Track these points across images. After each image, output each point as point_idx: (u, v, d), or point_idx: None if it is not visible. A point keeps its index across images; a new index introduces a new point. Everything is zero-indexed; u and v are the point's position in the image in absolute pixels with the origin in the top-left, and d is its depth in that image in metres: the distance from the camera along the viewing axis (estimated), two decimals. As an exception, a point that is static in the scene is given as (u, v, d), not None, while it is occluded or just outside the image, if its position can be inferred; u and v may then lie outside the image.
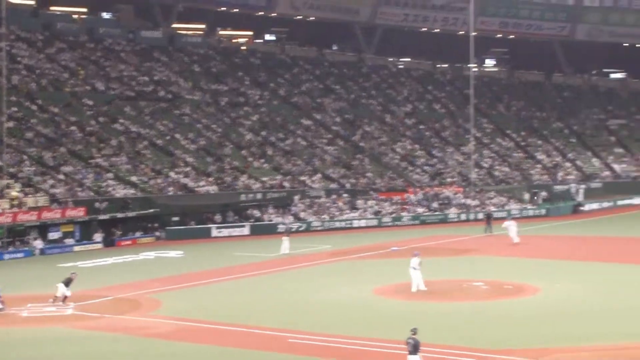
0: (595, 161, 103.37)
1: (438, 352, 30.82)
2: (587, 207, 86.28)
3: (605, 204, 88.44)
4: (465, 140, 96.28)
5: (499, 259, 55.79)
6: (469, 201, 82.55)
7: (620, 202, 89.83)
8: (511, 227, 62.68)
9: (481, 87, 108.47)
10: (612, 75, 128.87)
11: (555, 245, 63.17)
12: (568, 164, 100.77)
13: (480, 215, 78.74)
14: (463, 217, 79.66)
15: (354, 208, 79.13)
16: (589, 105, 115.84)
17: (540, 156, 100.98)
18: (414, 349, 27.45)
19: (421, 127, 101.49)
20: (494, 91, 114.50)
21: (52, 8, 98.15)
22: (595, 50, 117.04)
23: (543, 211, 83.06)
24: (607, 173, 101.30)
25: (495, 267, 51.94)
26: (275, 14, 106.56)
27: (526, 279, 46.88)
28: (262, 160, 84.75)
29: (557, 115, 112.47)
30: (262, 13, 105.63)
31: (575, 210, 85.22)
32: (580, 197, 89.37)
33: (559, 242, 65.09)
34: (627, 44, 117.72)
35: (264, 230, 71.73)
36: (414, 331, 27.79)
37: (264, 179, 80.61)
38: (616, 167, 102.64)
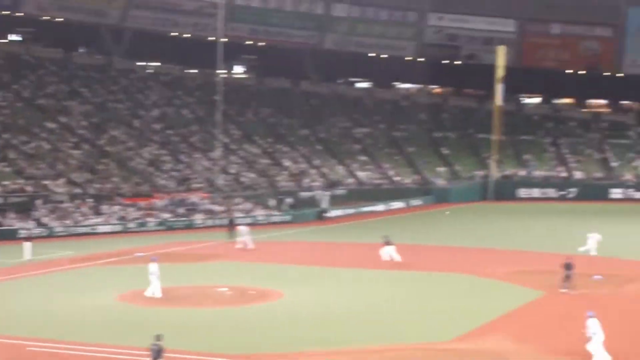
0: (340, 168, 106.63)
1: (183, 359, 31.03)
2: (331, 214, 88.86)
3: (350, 211, 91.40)
4: (212, 146, 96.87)
5: (243, 264, 56.56)
6: (215, 207, 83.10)
7: (363, 209, 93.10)
8: (245, 233, 64.16)
9: (230, 93, 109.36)
10: (358, 85, 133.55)
11: (300, 251, 64.72)
12: (314, 171, 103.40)
13: (227, 222, 79.61)
14: (209, 222, 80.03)
15: (98, 213, 77.83)
16: (336, 113, 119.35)
17: (286, 163, 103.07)
18: (158, 355, 27.50)
19: (169, 132, 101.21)
20: (243, 97, 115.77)
21: None
22: (342, 59, 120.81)
23: (289, 217, 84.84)
24: (351, 180, 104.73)
25: (240, 273, 52.64)
26: (21, 14, 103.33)
27: (270, 284, 47.87)
28: (4, 164, 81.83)
29: (304, 122, 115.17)
30: (8, 12, 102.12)
31: (320, 216, 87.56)
32: (325, 204, 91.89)
33: (303, 248, 66.73)
34: (372, 54, 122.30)
35: (4, 236, 69.13)
36: (158, 337, 27.85)
37: (5, 182, 77.88)
38: (360, 174, 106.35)
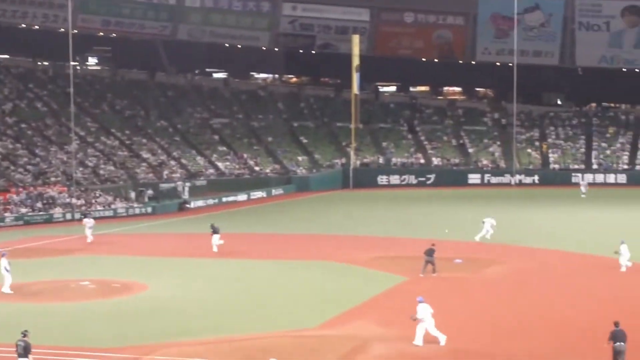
0: (200, 159, 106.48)
1: (50, 353, 30.91)
2: (193, 205, 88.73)
3: (211, 201, 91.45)
4: (68, 139, 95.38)
5: (105, 258, 56.13)
6: (74, 200, 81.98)
7: (225, 199, 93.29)
8: (88, 224, 63.60)
9: (84, 86, 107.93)
10: (215, 75, 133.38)
11: (163, 242, 64.57)
12: (173, 162, 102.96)
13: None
14: (68, 216, 78.91)
15: (-50, 211, 75.85)
16: (193, 104, 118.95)
17: (145, 155, 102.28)
18: (25, 351, 27.36)
19: (23, 125, 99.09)
20: (98, 90, 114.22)
21: None
22: (197, 50, 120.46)
23: (149, 209, 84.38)
24: (211, 171, 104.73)
25: (102, 266, 52.28)
26: None
27: (134, 277, 47.77)
28: None
29: (161, 114, 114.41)
30: None
31: (182, 207, 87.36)
32: (186, 195, 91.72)
33: (166, 239, 66.58)
34: (228, 45, 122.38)
35: None
36: (24, 333, 27.68)
37: None
38: (220, 165, 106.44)
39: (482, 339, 33.20)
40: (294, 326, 34.70)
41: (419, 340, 32.02)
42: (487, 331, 34.47)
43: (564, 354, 30.54)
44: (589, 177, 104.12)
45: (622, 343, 27.64)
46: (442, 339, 32.14)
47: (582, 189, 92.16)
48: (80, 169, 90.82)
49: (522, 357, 29.55)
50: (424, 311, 32.27)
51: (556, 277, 46.47)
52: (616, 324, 28.25)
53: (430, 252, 47.42)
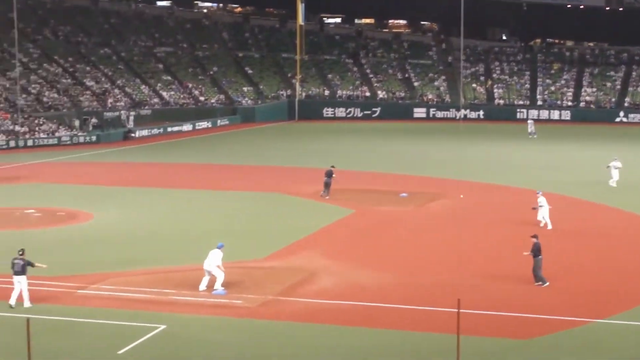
0: (145, 88, 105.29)
1: (-7, 282, 30.62)
2: (137, 134, 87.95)
3: (156, 131, 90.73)
4: (11, 65, 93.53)
5: (50, 185, 55.53)
6: (17, 128, 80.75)
7: (170, 129, 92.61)
8: None
9: (26, 12, 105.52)
10: (159, 3, 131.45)
11: (107, 171, 63.99)
12: (117, 91, 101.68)
13: (30, 143, 78.03)
14: (12, 144, 77.80)
15: None
16: (136, 32, 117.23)
17: (89, 82, 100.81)
18: (23, 269, 28.44)
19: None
20: (40, 15, 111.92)
21: None
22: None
23: (94, 138, 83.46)
24: (156, 100, 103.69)
25: (47, 195, 51.69)
26: None
27: (79, 206, 47.32)
28: None
29: (105, 41, 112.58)
30: None
31: (126, 137, 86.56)
32: (130, 124, 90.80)
33: (111, 168, 65.99)
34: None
35: None
36: (22, 252, 28.59)
37: None
38: (165, 94, 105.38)
39: (424, 272, 33.44)
40: (241, 257, 34.60)
41: None
42: (430, 263, 34.73)
43: (498, 280, 30.92)
44: (533, 113, 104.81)
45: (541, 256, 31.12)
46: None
47: (529, 127, 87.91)
48: (24, 95, 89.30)
49: (463, 287, 29.83)
50: None
51: (495, 210, 46.85)
52: (534, 236, 31.59)
53: (329, 174, 50.28)
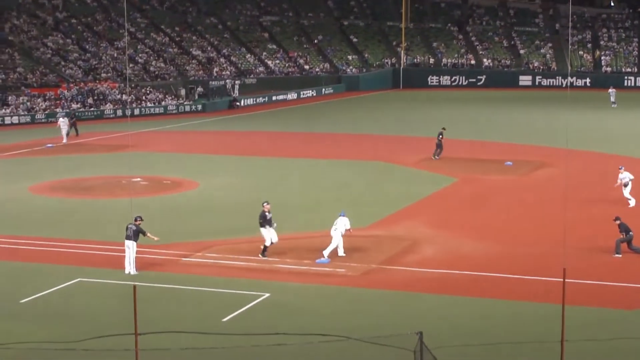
0: (250, 57, 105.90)
1: (99, 248, 31.08)
2: (242, 103, 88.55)
3: (261, 99, 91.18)
4: (119, 35, 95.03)
5: (156, 154, 56.23)
6: (124, 97, 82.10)
7: (274, 98, 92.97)
8: (63, 125, 62.58)
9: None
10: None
11: (212, 140, 64.57)
12: (223, 60, 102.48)
13: (137, 112, 79.26)
14: (119, 113, 79.13)
15: (5, 104, 76.19)
16: (242, 1, 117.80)
17: (195, 52, 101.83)
18: (134, 234, 28.61)
19: (73, 21, 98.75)
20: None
21: None
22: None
23: (199, 107, 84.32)
24: (261, 69, 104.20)
25: (154, 163, 52.32)
26: None
27: (185, 174, 47.84)
28: None
29: (211, 10, 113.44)
30: None
31: (231, 105, 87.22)
32: (236, 93, 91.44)
33: (216, 137, 66.55)
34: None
35: None
36: (137, 218, 29.04)
37: None
38: (270, 63, 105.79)
39: (529, 241, 32.85)
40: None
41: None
42: (534, 232, 34.09)
43: (602, 250, 30.20)
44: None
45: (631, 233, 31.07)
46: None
47: (612, 97, 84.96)
48: (131, 65, 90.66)
49: (567, 257, 29.22)
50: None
51: (600, 180, 45.75)
52: (617, 218, 31.38)
53: (439, 135, 52.47)
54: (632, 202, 38.90)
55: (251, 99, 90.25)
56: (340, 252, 30.46)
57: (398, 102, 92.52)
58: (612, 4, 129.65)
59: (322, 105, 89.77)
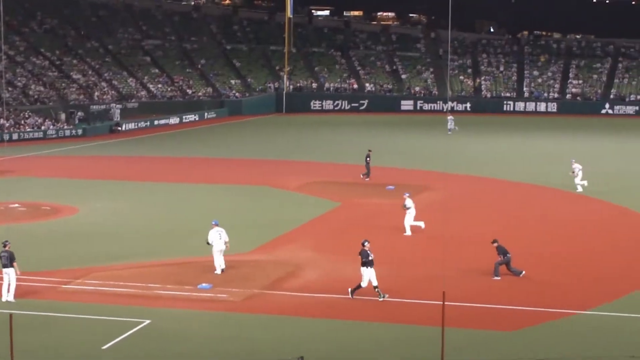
0: (132, 81, 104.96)
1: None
2: (124, 127, 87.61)
3: (143, 124, 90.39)
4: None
5: (35, 180, 55.21)
6: (3, 121, 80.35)
7: (157, 122, 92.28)
8: None
9: (13, 3, 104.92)
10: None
11: (93, 165, 63.69)
12: (104, 84, 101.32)
13: (15, 136, 77.60)
14: (-3, 138, 77.43)
15: None
16: (124, 24, 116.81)
17: (75, 75, 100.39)
18: (9, 261, 28.31)
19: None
20: (27, 8, 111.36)
21: None
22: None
23: (80, 131, 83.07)
24: (143, 93, 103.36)
25: (32, 189, 51.37)
26: None
27: (64, 200, 47.07)
28: None
29: (91, 33, 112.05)
30: None
31: (113, 130, 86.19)
32: (117, 117, 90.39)
33: (97, 162, 65.68)
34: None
35: None
36: (5, 244, 28.08)
37: None
38: (152, 87, 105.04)
39: (410, 264, 33.36)
40: (227, 251, 34.44)
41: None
42: (415, 255, 34.63)
43: (483, 272, 30.88)
44: (520, 105, 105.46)
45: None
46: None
47: (450, 124, 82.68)
48: (9, 89, 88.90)
49: (448, 279, 29.78)
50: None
51: (485, 203, 46.82)
52: (494, 241, 32.08)
53: (366, 156, 54.05)
54: (580, 189, 48.39)
55: (133, 124, 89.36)
56: (222, 267, 31.55)
57: (281, 127, 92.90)
58: (492, 30, 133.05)
59: (205, 130, 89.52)
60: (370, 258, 28.88)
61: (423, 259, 34.23)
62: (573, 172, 49.45)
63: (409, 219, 39.12)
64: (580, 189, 48.71)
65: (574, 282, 31.13)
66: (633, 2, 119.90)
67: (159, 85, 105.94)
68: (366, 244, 29.13)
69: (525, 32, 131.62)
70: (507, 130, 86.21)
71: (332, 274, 31.97)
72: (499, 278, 30.98)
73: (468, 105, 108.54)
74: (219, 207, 45.75)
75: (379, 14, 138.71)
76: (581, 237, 38.75)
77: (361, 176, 54.17)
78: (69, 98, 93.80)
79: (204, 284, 29.73)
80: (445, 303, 19.66)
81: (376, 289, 28.55)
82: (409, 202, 39.44)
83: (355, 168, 59.10)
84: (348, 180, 53.94)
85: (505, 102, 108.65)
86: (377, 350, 24.22)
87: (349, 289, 28.94)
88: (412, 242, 37.52)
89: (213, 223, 32.44)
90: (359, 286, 28.85)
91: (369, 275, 28.75)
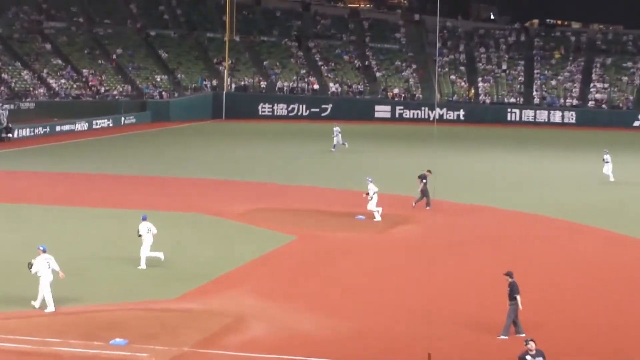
0: (27, 74, 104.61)
1: None
2: (16, 134, 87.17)
3: (40, 130, 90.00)
4: None
5: None
6: None
7: (58, 128, 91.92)
8: None
9: None
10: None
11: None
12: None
13: None
14: None
15: None
16: (18, 2, 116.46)
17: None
18: None
19: None
20: None
21: None
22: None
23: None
24: (41, 90, 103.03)
25: None
26: None
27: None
28: None
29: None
30: None
31: (1, 137, 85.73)
32: (4, 121, 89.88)
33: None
34: None
35: None
36: None
37: None
38: (53, 82, 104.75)
39: (385, 318, 33.38)
40: (148, 297, 34.28)
41: None
42: (391, 306, 34.67)
43: (472, 327, 31.02)
44: (528, 114, 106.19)
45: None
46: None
47: (336, 138, 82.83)
48: None
49: (431, 337, 29.88)
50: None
51: (476, 239, 47.02)
52: (508, 274, 30.70)
53: (422, 177, 54.10)
54: (612, 177, 63.05)
55: (27, 129, 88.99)
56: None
57: (219, 137, 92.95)
58: (492, 16, 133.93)
59: (122, 139, 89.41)
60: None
61: (403, 311, 34.20)
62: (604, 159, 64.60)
63: (372, 205, 48.07)
64: (612, 178, 63.38)
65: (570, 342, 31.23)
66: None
67: (62, 81, 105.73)
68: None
69: (535, 21, 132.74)
70: (511, 146, 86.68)
71: (284, 328, 31.87)
72: (506, 337, 30.65)
73: (461, 113, 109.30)
74: (137, 239, 45.26)
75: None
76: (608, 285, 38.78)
77: (413, 204, 54.00)
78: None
79: (117, 340, 29.52)
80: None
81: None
82: (372, 188, 47.56)
83: (317, 191, 59.16)
84: (307, 207, 53.92)
85: (509, 109, 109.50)
86: None
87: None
88: (388, 287, 37.51)
89: (142, 218, 36.66)
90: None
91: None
